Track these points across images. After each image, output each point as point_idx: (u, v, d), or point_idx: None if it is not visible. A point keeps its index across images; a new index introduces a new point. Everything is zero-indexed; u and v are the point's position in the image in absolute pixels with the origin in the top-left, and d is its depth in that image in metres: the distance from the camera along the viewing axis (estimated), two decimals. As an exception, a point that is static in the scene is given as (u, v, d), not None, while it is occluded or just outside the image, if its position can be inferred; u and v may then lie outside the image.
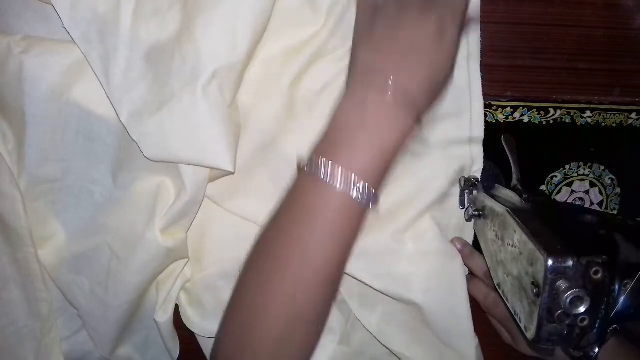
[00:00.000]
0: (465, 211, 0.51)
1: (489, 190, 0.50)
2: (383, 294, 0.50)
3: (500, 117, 0.52)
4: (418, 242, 0.50)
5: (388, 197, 0.49)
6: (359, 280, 0.50)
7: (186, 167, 0.46)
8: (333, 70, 0.48)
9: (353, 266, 0.48)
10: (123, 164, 0.49)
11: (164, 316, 0.51)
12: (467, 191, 0.50)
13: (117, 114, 0.45)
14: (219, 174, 0.48)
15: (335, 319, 0.54)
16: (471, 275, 0.53)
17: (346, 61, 0.43)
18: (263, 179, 0.50)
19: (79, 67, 0.46)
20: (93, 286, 0.50)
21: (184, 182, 0.46)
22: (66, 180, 0.50)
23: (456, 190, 0.51)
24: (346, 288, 0.53)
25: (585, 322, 0.37)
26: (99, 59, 0.44)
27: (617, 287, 0.41)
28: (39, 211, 0.50)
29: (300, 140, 0.46)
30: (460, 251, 0.52)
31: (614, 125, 0.53)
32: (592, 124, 0.53)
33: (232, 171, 0.45)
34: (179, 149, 0.45)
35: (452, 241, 0.52)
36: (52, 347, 0.55)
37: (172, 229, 0.48)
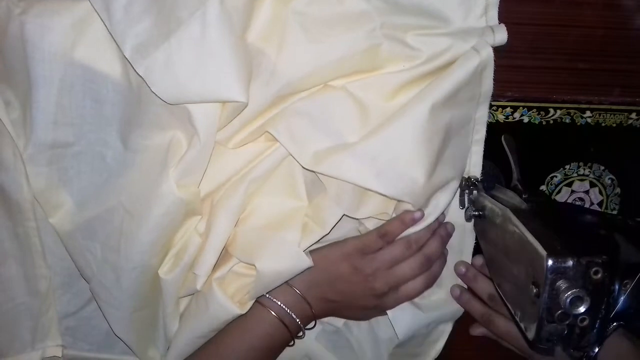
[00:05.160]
0: (465, 211, 0.51)
1: (489, 190, 0.50)
2: None
3: (500, 117, 0.52)
4: None
5: None
6: None
7: (197, 112, 0.44)
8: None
9: None
10: (132, 122, 0.48)
11: (169, 274, 0.49)
12: (467, 191, 0.50)
13: (121, 50, 0.43)
14: (229, 115, 0.46)
15: None
16: (466, 292, 0.53)
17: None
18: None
19: (80, 27, 0.45)
20: (105, 252, 0.49)
21: (196, 128, 0.44)
22: (78, 144, 0.49)
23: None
24: None
25: (585, 322, 0.37)
26: None
27: (617, 287, 0.41)
28: (50, 178, 0.49)
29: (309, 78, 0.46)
30: (463, 275, 0.52)
31: (614, 125, 0.53)
32: (592, 124, 0.53)
33: (245, 102, 0.44)
34: (189, 80, 0.42)
35: (457, 265, 0.53)
36: (50, 326, 0.54)
37: (185, 181, 0.46)
